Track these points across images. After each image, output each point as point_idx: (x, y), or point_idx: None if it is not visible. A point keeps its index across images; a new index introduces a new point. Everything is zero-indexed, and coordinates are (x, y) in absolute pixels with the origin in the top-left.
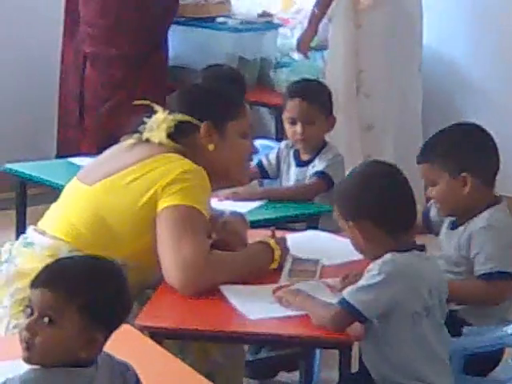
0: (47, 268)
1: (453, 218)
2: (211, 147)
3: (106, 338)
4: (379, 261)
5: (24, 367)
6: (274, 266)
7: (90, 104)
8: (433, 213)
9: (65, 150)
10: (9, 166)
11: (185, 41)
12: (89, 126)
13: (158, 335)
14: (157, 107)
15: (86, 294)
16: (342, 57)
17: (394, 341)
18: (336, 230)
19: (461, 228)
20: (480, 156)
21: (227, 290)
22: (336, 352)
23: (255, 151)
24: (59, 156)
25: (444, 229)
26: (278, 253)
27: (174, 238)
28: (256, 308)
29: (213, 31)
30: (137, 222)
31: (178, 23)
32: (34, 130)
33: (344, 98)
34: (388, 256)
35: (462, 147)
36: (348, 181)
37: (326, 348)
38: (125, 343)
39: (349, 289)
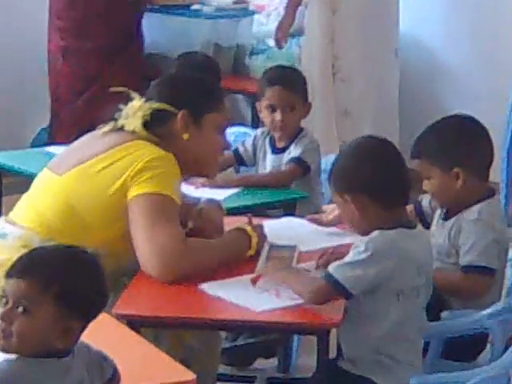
0: (21, 258)
1: (444, 210)
2: (186, 136)
3: (82, 328)
4: (366, 238)
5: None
6: (252, 252)
7: (64, 98)
8: (425, 204)
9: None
10: None
11: (160, 28)
12: (64, 120)
13: (134, 323)
14: (134, 94)
15: (61, 283)
16: (318, 42)
17: (373, 318)
18: None
19: (452, 219)
20: (472, 150)
21: (210, 289)
22: (314, 338)
23: (227, 147)
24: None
25: (436, 220)
26: (255, 240)
27: (148, 227)
28: (261, 300)
29: (188, 18)
30: (107, 210)
31: (153, 10)
32: (11, 122)
33: (320, 83)
34: (375, 233)
35: (453, 142)
36: (345, 154)
37: (304, 334)
38: (101, 331)
39: (334, 264)
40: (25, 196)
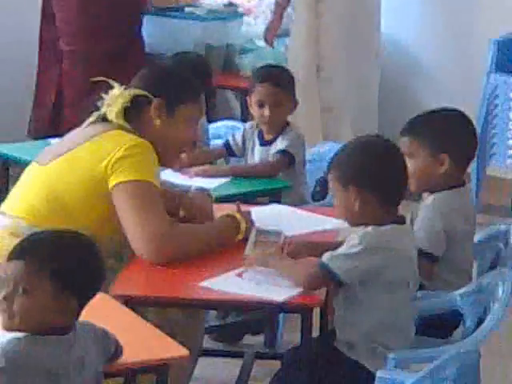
0: (21, 241)
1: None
2: (157, 122)
3: (80, 306)
4: (360, 232)
5: (6, 336)
6: (240, 237)
7: (71, 99)
8: None
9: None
10: None
11: (156, 29)
12: (72, 120)
13: (131, 303)
14: (113, 83)
15: (56, 262)
16: (304, 44)
17: (367, 307)
18: (297, 204)
19: (414, 204)
20: (461, 141)
21: (213, 285)
22: (298, 316)
23: (196, 139)
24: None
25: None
26: (243, 225)
27: (136, 214)
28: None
29: (182, 20)
30: (88, 196)
31: (149, 13)
32: (15, 115)
33: (305, 81)
34: (369, 229)
35: (447, 130)
36: (351, 148)
37: (289, 312)
38: (101, 311)
39: (328, 254)
40: (14, 188)
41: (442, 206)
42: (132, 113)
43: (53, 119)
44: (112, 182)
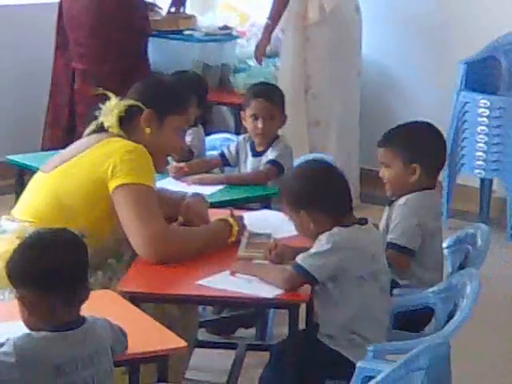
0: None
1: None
2: (148, 131)
3: (66, 303)
4: (327, 233)
5: (17, 328)
6: (233, 239)
7: (82, 113)
8: None
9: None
10: (9, 157)
11: (158, 50)
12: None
13: (135, 299)
14: (110, 94)
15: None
16: (292, 64)
17: (341, 302)
18: None
19: (394, 203)
20: (431, 152)
21: (209, 283)
22: (286, 311)
23: (183, 147)
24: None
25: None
26: (235, 228)
27: (136, 217)
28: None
29: (181, 42)
30: (88, 198)
31: (152, 35)
32: (29, 129)
33: (293, 98)
34: (335, 229)
35: (417, 141)
36: (295, 177)
37: (278, 308)
38: (107, 306)
39: (300, 255)
40: (22, 195)
41: (414, 204)
42: (126, 122)
43: (66, 136)
44: (112, 185)
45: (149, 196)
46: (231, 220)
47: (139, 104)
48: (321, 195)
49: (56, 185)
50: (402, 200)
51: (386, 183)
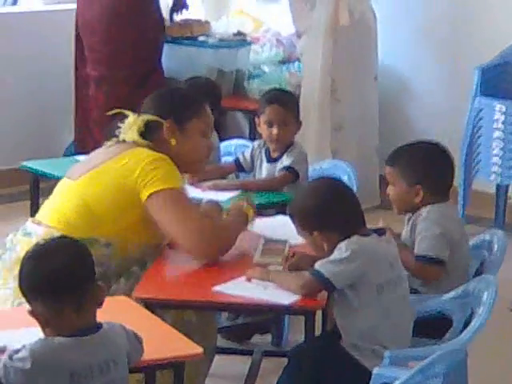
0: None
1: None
2: (173, 142)
3: (75, 309)
4: (347, 240)
5: (31, 334)
6: (250, 225)
7: (98, 119)
8: None
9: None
10: (24, 163)
11: (172, 56)
12: (99, 140)
13: (151, 305)
14: (128, 113)
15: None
16: (320, 67)
17: (361, 310)
18: None
19: (412, 216)
20: (435, 173)
21: (226, 289)
22: (302, 318)
23: (212, 147)
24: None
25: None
26: (250, 214)
27: (179, 220)
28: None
29: (195, 48)
30: (116, 207)
31: (166, 42)
32: (46, 136)
33: (319, 102)
34: (353, 238)
35: (421, 163)
36: (303, 197)
37: (294, 314)
38: (123, 312)
39: (319, 262)
40: (48, 200)
41: (436, 215)
42: (148, 137)
43: (81, 139)
44: (145, 194)
45: (183, 197)
46: (244, 207)
47: (157, 118)
48: (332, 215)
49: (83, 192)
50: (423, 212)
51: (391, 201)
